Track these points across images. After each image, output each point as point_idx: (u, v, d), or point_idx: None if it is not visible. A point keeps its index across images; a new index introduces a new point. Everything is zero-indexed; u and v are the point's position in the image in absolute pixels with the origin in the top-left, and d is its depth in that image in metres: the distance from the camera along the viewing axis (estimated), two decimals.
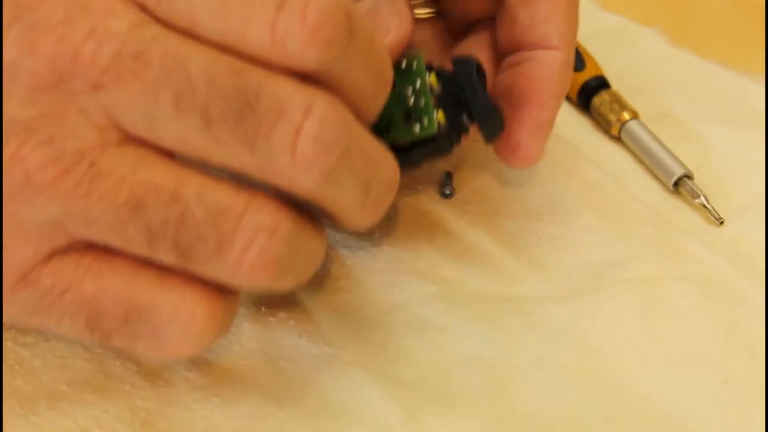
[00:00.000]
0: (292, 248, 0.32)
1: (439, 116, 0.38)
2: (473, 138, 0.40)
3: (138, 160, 0.31)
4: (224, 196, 0.31)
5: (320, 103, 0.30)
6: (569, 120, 0.51)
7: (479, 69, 0.39)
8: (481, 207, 0.46)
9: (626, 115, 0.50)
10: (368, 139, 0.33)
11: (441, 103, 0.38)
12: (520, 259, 0.44)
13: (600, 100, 0.50)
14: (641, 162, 0.49)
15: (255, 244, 0.31)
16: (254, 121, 0.30)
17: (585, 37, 0.53)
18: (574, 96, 0.52)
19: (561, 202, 0.46)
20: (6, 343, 0.38)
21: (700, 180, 0.47)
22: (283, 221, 0.31)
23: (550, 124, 0.42)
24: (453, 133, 0.38)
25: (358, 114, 0.32)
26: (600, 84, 0.51)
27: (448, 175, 0.47)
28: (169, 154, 0.31)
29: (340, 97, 0.32)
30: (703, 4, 0.58)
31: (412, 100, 0.38)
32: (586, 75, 0.51)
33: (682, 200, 0.47)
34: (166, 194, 0.31)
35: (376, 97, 0.34)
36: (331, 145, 0.30)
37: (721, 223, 0.46)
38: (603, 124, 0.50)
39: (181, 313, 0.32)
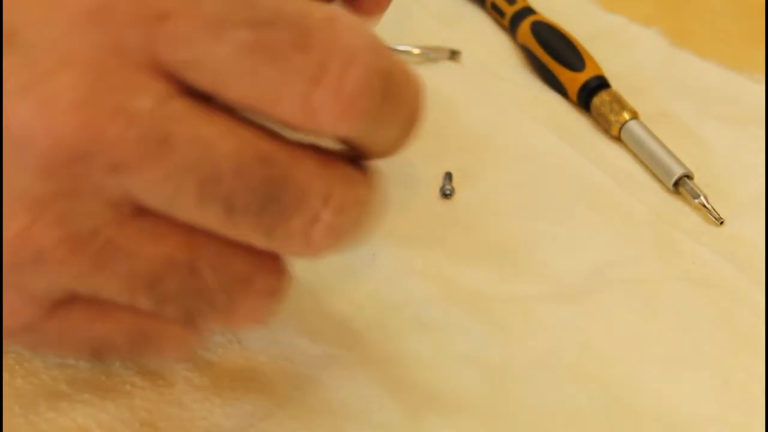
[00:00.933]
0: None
1: None
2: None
3: (153, 231, 0.30)
4: (237, 262, 0.31)
5: (339, 190, 0.30)
6: (569, 120, 0.51)
7: None
8: (481, 207, 0.46)
9: (626, 115, 0.50)
10: (373, 199, 0.32)
11: None
12: (520, 259, 0.44)
13: (600, 100, 0.50)
14: (641, 162, 0.49)
15: (258, 310, 0.32)
16: (276, 212, 0.30)
17: (585, 37, 0.53)
18: (574, 96, 0.52)
19: (561, 202, 0.46)
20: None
21: (699, 180, 0.47)
22: (285, 285, 0.32)
23: None
24: None
25: (379, 155, 0.32)
26: (600, 84, 0.51)
27: (448, 175, 0.47)
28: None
29: (366, 147, 0.31)
30: (703, 4, 0.58)
31: None
32: (586, 75, 0.51)
33: (682, 200, 0.47)
34: (182, 268, 0.30)
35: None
36: (344, 234, 0.30)
37: (721, 223, 0.46)
38: (603, 124, 0.50)
39: (181, 337, 0.33)
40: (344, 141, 0.31)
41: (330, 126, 0.29)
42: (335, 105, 0.29)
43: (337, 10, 0.29)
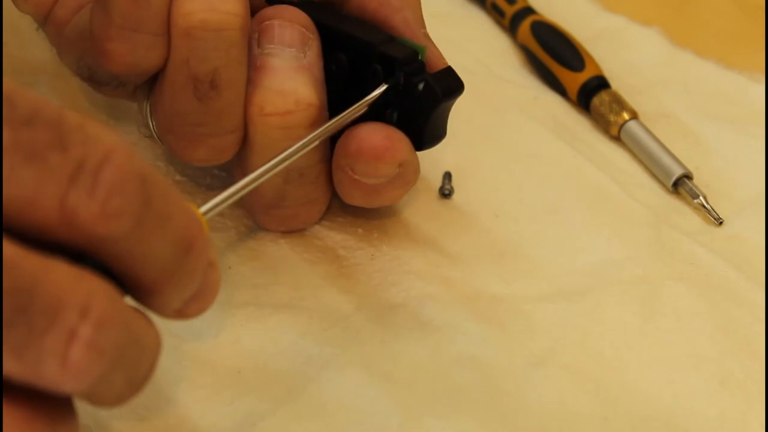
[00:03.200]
0: None
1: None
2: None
3: None
4: None
5: (98, 300, 0.27)
6: (569, 120, 0.51)
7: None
8: (480, 207, 0.46)
9: (626, 115, 0.50)
10: (140, 324, 0.30)
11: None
12: (520, 259, 0.44)
13: (600, 100, 0.50)
14: (641, 162, 0.49)
15: None
16: (26, 327, 0.27)
17: (585, 37, 0.53)
18: (574, 96, 0.52)
19: (560, 203, 0.46)
20: None
21: (699, 180, 0.47)
22: None
23: None
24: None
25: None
26: (600, 84, 0.51)
27: (448, 175, 0.47)
28: None
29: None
30: (703, 4, 0.58)
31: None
32: (586, 75, 0.51)
33: (681, 200, 0.47)
34: None
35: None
36: (105, 351, 0.27)
37: (720, 223, 0.46)
38: (603, 124, 0.50)
39: None
40: (112, 255, 0.29)
41: (87, 226, 0.28)
42: (90, 203, 0.28)
43: (86, 118, 0.29)
